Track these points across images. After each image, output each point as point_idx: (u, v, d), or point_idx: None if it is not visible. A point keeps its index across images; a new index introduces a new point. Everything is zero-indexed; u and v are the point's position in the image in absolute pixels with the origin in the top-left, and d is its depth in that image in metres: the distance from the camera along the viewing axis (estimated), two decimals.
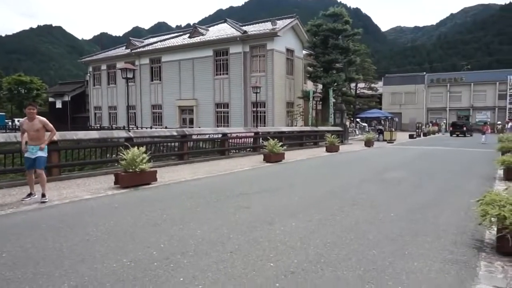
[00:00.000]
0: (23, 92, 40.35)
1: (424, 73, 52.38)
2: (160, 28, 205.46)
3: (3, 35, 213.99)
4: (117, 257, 3.67)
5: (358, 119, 36.50)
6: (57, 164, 8.53)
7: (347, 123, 28.90)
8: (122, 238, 4.28)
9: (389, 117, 31.83)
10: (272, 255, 3.75)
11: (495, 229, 4.05)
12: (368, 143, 20.31)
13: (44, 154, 6.45)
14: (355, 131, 33.20)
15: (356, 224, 4.92)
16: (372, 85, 44.83)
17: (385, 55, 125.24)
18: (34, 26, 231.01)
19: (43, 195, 6.25)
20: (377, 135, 25.61)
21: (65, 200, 6.34)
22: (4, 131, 35.13)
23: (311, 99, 24.63)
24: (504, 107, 43.19)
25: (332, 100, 25.67)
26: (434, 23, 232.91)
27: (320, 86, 28.82)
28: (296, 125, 26.95)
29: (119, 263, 3.52)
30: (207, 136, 14.17)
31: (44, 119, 6.50)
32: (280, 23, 27.45)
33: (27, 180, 6.62)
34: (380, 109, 42.42)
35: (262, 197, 6.70)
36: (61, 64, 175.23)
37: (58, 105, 41.37)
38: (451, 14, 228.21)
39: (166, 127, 27.26)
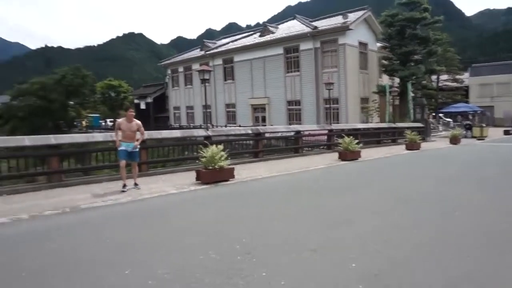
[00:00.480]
0: (113, 95, 44.69)
1: None
2: (231, 29, 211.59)
3: (96, 44, 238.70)
4: (203, 249, 3.90)
5: (441, 114, 33.72)
6: (146, 161, 9.33)
7: (429, 118, 26.87)
8: (207, 232, 4.54)
9: (478, 111, 28.81)
10: (354, 256, 3.67)
11: None
12: (454, 140, 18.65)
13: (137, 149, 7.54)
14: (438, 127, 30.74)
15: (447, 229, 4.58)
16: (457, 76, 40.97)
17: (471, 43, 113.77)
18: (120, 35, 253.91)
19: (136, 184, 7.45)
20: (464, 132, 23.39)
21: (154, 194, 6.92)
22: (99, 130, 39.33)
23: (387, 94, 23.39)
24: None
25: (411, 94, 24.09)
26: None
27: (397, 80, 27.21)
28: (371, 122, 25.84)
29: (205, 255, 3.74)
30: (280, 134, 14.30)
31: (139, 122, 7.56)
32: (352, 16, 26.48)
33: (120, 172, 7.48)
34: (467, 102, 38.58)
35: (340, 195, 6.59)
36: (143, 68, 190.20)
37: (142, 106, 44.99)
38: None
39: (239, 125, 28.07)
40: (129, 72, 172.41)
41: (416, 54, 26.37)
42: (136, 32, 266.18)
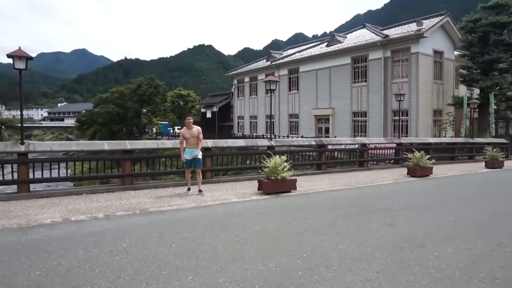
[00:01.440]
0: (182, 104, 47.37)
1: None
2: (297, 39, 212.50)
3: (168, 56, 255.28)
4: (264, 261, 3.87)
5: None
6: (210, 168, 9.62)
7: None
8: (267, 243, 4.50)
9: None
10: (425, 283, 3.37)
11: None
12: None
13: (200, 155, 7.92)
14: None
15: None
16: None
17: None
18: (191, 47, 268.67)
19: (200, 191, 7.69)
20: None
21: (217, 201, 7.08)
22: (167, 137, 41.75)
23: (465, 106, 21.55)
24: None
25: (493, 107, 21.93)
26: None
27: (476, 91, 24.97)
28: (445, 136, 23.99)
29: (265, 267, 3.70)
30: (344, 146, 13.87)
31: (199, 128, 7.90)
32: (427, 23, 25.00)
33: (185, 177, 8.11)
34: None
35: (408, 214, 6.15)
36: (210, 78, 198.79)
37: (208, 115, 46.91)
38: None
39: (302, 136, 27.86)
40: (197, 82, 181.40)
41: (501, 62, 23.98)
42: (206, 44, 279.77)
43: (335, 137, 24.04)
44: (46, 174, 7.89)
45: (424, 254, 4.13)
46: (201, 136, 7.83)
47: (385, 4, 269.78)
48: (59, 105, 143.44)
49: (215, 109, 46.56)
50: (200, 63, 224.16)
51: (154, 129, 48.06)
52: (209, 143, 9.78)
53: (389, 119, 25.21)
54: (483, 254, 4.21)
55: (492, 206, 7.05)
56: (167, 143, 9.45)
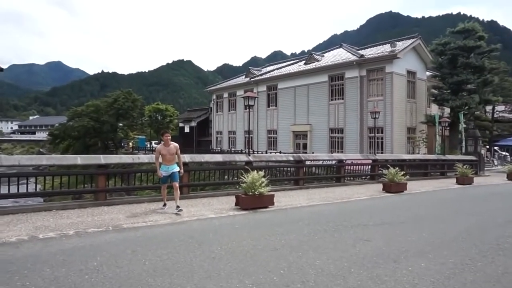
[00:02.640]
0: (159, 118, 46.89)
1: None
2: (276, 57, 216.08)
3: (147, 70, 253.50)
4: (240, 278, 3.79)
5: (496, 148, 31.56)
6: (187, 184, 9.47)
7: (483, 151, 25.18)
8: (244, 259, 4.43)
9: None
10: None
11: None
12: None
13: (177, 170, 7.64)
14: (492, 161, 28.73)
15: (504, 274, 4.13)
16: None
17: None
18: (170, 62, 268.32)
19: (178, 207, 7.29)
20: None
21: (193, 217, 6.94)
22: (144, 152, 41.01)
23: (437, 124, 22.35)
24: None
25: (462, 125, 22.85)
26: None
27: (447, 110, 25.98)
28: (418, 153, 24.70)
29: (241, 284, 3.63)
30: (321, 162, 14.02)
31: (177, 144, 7.66)
32: (400, 44, 26.03)
33: (161, 193, 7.86)
34: None
35: (383, 230, 6.22)
36: (189, 93, 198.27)
37: (186, 129, 46.57)
38: None
39: (280, 152, 28.02)
40: (176, 97, 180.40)
41: (469, 84, 25.14)
42: (185, 59, 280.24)
43: (313, 152, 24.33)
44: (14, 189, 7.55)
45: (399, 270, 4.17)
46: (179, 152, 7.70)
47: (360, 26, 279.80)
48: (30, 118, 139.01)
49: (193, 124, 46.31)
50: (179, 78, 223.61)
51: (130, 144, 47.17)
52: (186, 158, 9.66)
53: (365, 135, 25.77)
54: (455, 268, 4.28)
55: (464, 222, 7.24)
56: (143, 158, 9.26)
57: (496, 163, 28.36)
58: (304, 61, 33.74)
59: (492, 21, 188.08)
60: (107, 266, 4.08)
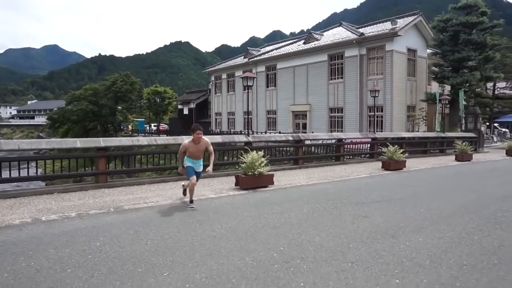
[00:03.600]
0: (158, 101, 46.60)
1: None
2: (275, 37, 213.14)
3: (144, 53, 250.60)
4: (240, 255, 3.87)
5: (496, 124, 31.51)
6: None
7: (483, 128, 25.14)
8: (244, 238, 4.50)
9: None
10: (397, 271, 3.46)
11: None
12: (511, 152, 17.32)
13: (201, 169, 6.55)
14: (492, 137, 28.74)
15: (500, 247, 4.21)
16: None
17: None
18: (167, 44, 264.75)
19: (192, 201, 6.31)
20: None
21: (193, 197, 6.98)
22: (143, 134, 40.99)
23: (437, 102, 22.24)
24: None
25: (463, 102, 22.74)
26: None
27: (447, 88, 25.81)
28: (418, 131, 24.69)
29: (242, 261, 3.70)
30: (321, 141, 14.04)
31: (207, 140, 6.42)
32: (401, 22, 25.61)
33: (189, 187, 6.30)
34: None
35: (382, 207, 6.28)
36: (187, 75, 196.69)
37: (185, 111, 46.38)
38: None
39: (280, 132, 28.02)
40: (174, 79, 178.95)
41: (471, 60, 24.87)
42: (183, 40, 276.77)
43: (312, 132, 24.33)
44: (15, 174, 7.60)
45: (397, 244, 4.24)
46: (211, 149, 6.48)
47: (361, 3, 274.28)
48: (29, 102, 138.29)
49: (192, 105, 46.11)
50: (177, 59, 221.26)
51: (129, 127, 47.08)
52: (185, 139, 9.66)
53: (364, 114, 25.70)
54: (452, 242, 4.36)
55: (461, 198, 7.31)
56: (143, 140, 9.26)
57: (495, 140, 28.39)
58: (303, 41, 33.28)
59: None
60: (110, 246, 4.15)
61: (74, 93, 43.52)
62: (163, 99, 47.13)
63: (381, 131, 23.16)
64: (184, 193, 6.91)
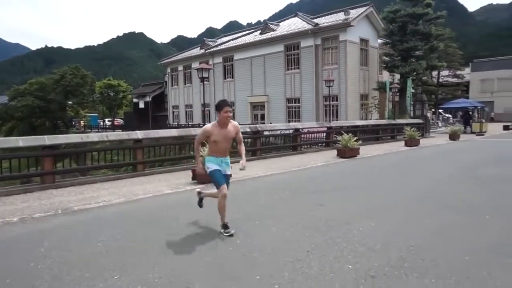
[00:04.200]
0: (112, 94, 44.69)
1: None
2: (232, 27, 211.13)
3: (96, 44, 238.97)
4: (197, 253, 3.79)
5: (440, 110, 33.50)
6: (141, 161, 9.19)
7: (429, 114, 26.63)
8: (200, 233, 4.42)
9: (479, 107, 28.66)
10: (351, 257, 3.56)
11: None
12: (454, 136, 18.52)
13: (230, 171, 4.59)
14: (437, 123, 30.55)
15: (445, 228, 4.46)
16: (458, 72, 40.79)
17: (473, 39, 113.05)
18: (120, 34, 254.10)
19: (226, 226, 4.32)
20: (464, 127, 23.24)
21: (148, 194, 6.77)
22: (97, 130, 39.23)
23: (387, 90, 23.23)
24: None
25: (411, 90, 23.91)
26: None
27: (397, 76, 27.04)
28: (371, 118, 25.68)
29: (198, 260, 3.63)
30: (279, 132, 14.16)
31: (237, 124, 4.63)
32: (354, 12, 26.31)
33: (219, 202, 4.34)
34: (467, 98, 38.34)
35: (337, 194, 6.45)
36: (142, 67, 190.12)
37: (141, 105, 44.91)
38: None
39: (239, 124, 27.93)
40: (129, 71, 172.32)
41: (418, 50, 26.18)
42: (136, 31, 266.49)
43: (271, 123, 24.49)
44: None
45: (350, 231, 4.36)
46: (240, 135, 4.71)
47: None
48: None
49: (148, 99, 44.72)
50: (131, 51, 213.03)
51: (81, 122, 44.87)
52: (140, 134, 9.34)
53: (320, 104, 26.27)
54: (402, 225, 4.56)
55: (411, 182, 7.69)
56: (93, 136, 8.82)
57: (440, 125, 30.22)
58: (259, 31, 33.26)
59: None
60: (56, 251, 3.90)
61: (18, 88, 40.68)
62: (117, 92, 45.30)
63: (337, 120, 23.84)
64: (200, 204, 4.99)
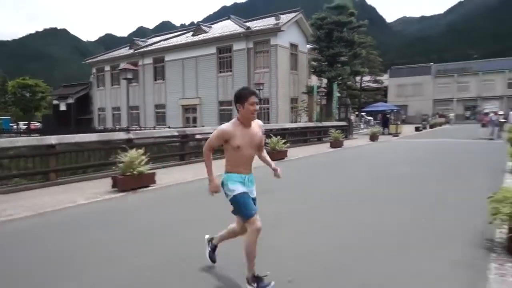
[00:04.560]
0: (27, 95, 40.65)
1: (431, 64, 51.43)
2: (165, 27, 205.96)
3: (10, 39, 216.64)
4: (104, 268, 3.52)
5: (363, 113, 36.03)
6: (54, 169, 8.42)
7: (353, 117, 28.40)
8: (110, 247, 4.13)
9: (395, 110, 31.39)
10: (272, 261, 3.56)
11: (507, 228, 3.78)
12: (373, 137, 19.97)
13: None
14: (360, 125, 32.76)
15: (362, 225, 4.71)
16: (378, 77, 44.26)
17: (391, 47, 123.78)
18: (40, 30, 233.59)
19: (256, 278, 2.97)
20: (382, 129, 25.22)
21: (58, 206, 6.14)
22: (8, 134, 35.37)
23: (315, 94, 24.30)
24: None
25: (336, 94, 25.30)
26: (442, 12, 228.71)
27: (324, 81, 28.45)
28: (300, 121, 26.66)
29: (109, 274, 3.37)
30: (209, 135, 13.97)
31: (261, 122, 3.42)
32: (284, 18, 27.09)
33: (249, 246, 2.98)
34: (386, 102, 41.82)
35: (264, 198, 6.47)
36: (66, 66, 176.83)
37: (62, 107, 41.53)
38: (459, 2, 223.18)
39: (169, 127, 27.18)
40: (50, 71, 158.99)
41: (343, 56, 27.79)
42: (58, 27, 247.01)
43: (203, 126, 24.21)
44: None
45: (278, 234, 4.37)
46: (263, 140, 3.36)
47: None
48: None
49: (70, 100, 41.49)
50: (52, 48, 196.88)
51: None
52: (53, 139, 8.55)
53: None
54: (324, 227, 4.71)
55: (333, 182, 8.07)
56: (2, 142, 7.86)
57: (362, 127, 32.47)
58: (192, 33, 32.75)
59: (361, 0, 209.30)
60: None
61: None
62: (34, 93, 41.33)
63: (268, 123, 24.31)
64: (213, 256, 3.54)
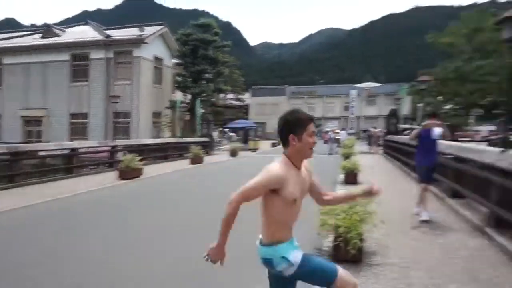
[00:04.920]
0: None
1: (286, 86, 57.68)
2: (9, 25, 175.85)
3: None
4: None
5: (226, 129, 37.67)
6: None
7: (216, 133, 29.37)
8: None
9: (254, 127, 33.82)
10: None
11: (332, 237, 4.15)
12: (233, 153, 20.95)
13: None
14: (223, 141, 34.11)
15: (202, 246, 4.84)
16: (240, 96, 47.08)
17: (253, 69, 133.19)
18: None
19: None
20: (244, 144, 26.81)
21: None
22: None
23: (178, 109, 24.30)
24: (347, 117, 50.46)
25: (200, 110, 25.80)
26: (296, 41, 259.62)
27: (189, 96, 28.73)
28: (163, 137, 26.18)
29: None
30: (58, 152, 12.42)
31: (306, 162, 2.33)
32: (149, 30, 26.36)
33: None
34: (247, 119, 44.84)
35: (103, 222, 6.10)
36: None
37: None
38: (309, 35, 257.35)
39: (5, 143, 23.13)
40: None
41: (207, 73, 28.65)
42: None
43: (49, 141, 21.38)
44: None
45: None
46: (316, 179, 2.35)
47: (116, 6, 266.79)
48: None
49: None
50: None
51: None
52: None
53: (111, 121, 24.84)
54: (177, 248, 4.67)
55: (185, 202, 8.14)
56: None
57: (226, 143, 33.92)
58: (41, 34, 28.97)
59: (228, 22, 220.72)
60: None
61: None
62: None
63: (128, 138, 23.08)
64: None
